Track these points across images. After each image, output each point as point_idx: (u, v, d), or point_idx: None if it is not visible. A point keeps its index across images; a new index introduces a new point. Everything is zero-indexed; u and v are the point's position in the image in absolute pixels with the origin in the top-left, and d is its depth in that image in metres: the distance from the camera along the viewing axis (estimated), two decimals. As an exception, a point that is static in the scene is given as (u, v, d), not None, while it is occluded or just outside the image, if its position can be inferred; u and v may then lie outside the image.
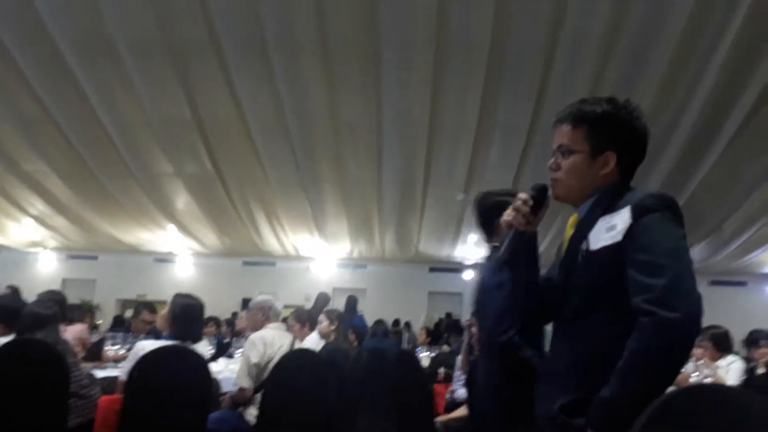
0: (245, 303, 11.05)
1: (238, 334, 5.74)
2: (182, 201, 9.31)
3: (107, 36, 5.90)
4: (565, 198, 1.47)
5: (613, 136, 1.40)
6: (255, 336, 3.36)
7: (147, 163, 8.18)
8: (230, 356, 4.65)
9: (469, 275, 12.09)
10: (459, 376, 4.10)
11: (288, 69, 6.12)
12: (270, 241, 10.87)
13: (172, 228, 10.36)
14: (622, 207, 1.32)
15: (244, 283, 11.65)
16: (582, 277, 1.37)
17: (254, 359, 3.24)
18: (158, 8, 5.68)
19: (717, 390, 1.04)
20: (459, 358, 4.29)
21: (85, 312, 6.25)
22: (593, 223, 1.38)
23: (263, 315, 3.55)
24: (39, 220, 10.41)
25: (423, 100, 6.47)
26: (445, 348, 6.35)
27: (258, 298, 3.66)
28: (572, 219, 1.49)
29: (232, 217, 9.71)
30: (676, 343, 1.20)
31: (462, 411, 3.90)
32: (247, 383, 3.22)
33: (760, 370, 5.00)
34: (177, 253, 12.09)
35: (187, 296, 3.30)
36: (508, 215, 1.44)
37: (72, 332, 5.25)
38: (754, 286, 11.07)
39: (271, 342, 3.34)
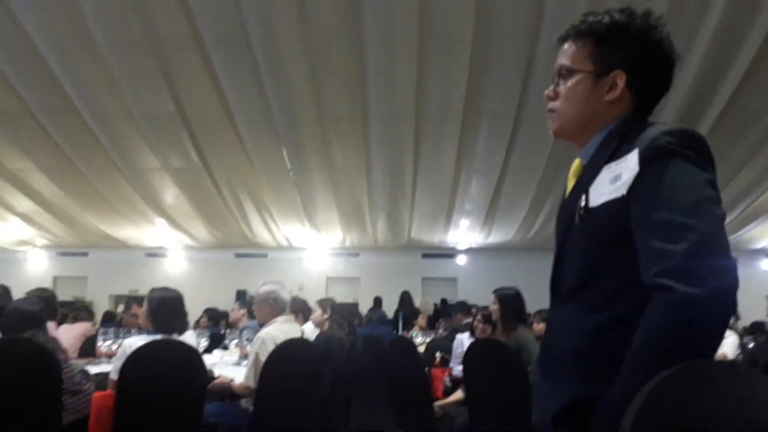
0: (239, 295, 11.05)
1: (232, 326, 5.71)
2: (171, 195, 9.23)
3: (87, 32, 5.80)
4: (562, 133, 1.18)
5: (624, 50, 1.09)
6: (266, 335, 3.22)
7: (133, 157, 8.08)
8: (225, 348, 4.63)
9: (462, 260, 12.12)
10: (458, 354, 4.11)
11: (271, 60, 6.05)
12: (261, 232, 10.83)
13: (161, 222, 10.29)
14: (631, 149, 1.02)
15: (237, 275, 11.63)
16: (579, 243, 1.08)
17: (264, 359, 3.12)
18: (137, 2, 5.57)
19: (721, 367, 0.90)
20: (461, 337, 4.31)
21: (90, 311, 6.23)
22: (597, 171, 1.08)
23: (269, 307, 3.40)
24: (26, 218, 10.30)
25: (408, 88, 6.41)
26: (441, 332, 6.37)
27: (263, 288, 3.47)
28: (574, 165, 1.20)
29: (222, 209, 9.65)
30: (703, 326, 0.88)
31: (459, 395, 3.91)
32: (254, 383, 3.12)
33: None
34: (168, 248, 12.03)
35: (163, 289, 3.24)
36: None
37: (78, 330, 5.23)
38: (745, 262, 11.15)
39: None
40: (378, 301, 9.03)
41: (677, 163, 0.97)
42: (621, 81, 1.10)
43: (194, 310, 8.83)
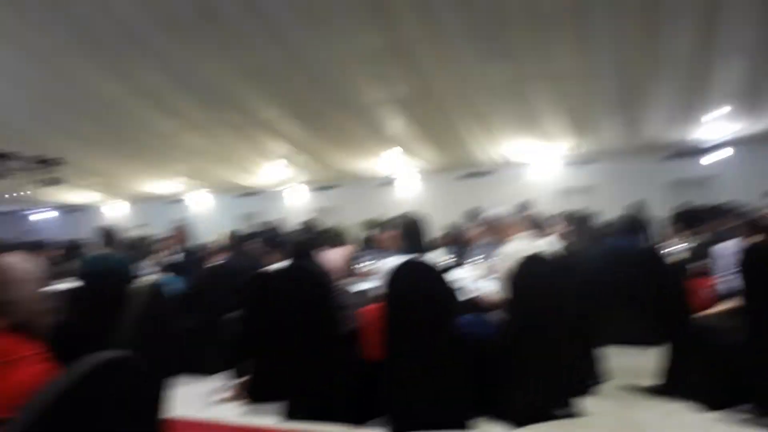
0: (471, 212, 11.38)
1: (468, 245, 5.94)
2: (398, 125, 9.75)
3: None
4: None
5: None
6: (507, 251, 3.31)
7: (359, 95, 8.68)
8: (469, 264, 4.86)
9: (713, 158, 10.60)
10: (723, 264, 3.69)
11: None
12: (488, 150, 10.87)
13: (392, 152, 10.99)
14: None
15: (467, 195, 11.95)
16: None
17: (507, 274, 3.19)
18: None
19: None
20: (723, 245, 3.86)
21: (349, 237, 7.11)
22: None
23: (505, 226, 3.46)
24: (284, 159, 11.88)
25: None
26: (695, 241, 5.75)
27: (496, 209, 3.56)
28: None
29: (448, 132, 9.89)
30: None
31: (724, 306, 3.55)
32: (499, 296, 3.30)
33: None
34: (399, 176, 12.88)
35: (407, 215, 3.53)
36: None
37: (339, 253, 6.02)
38: None
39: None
40: (622, 210, 8.48)
41: None
42: None
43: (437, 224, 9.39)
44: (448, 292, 3.19)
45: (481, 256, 4.54)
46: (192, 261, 5.10)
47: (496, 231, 3.51)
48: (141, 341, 1.07)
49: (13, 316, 1.23)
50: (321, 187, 13.88)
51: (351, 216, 13.26)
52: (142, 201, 15.77)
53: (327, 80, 8.27)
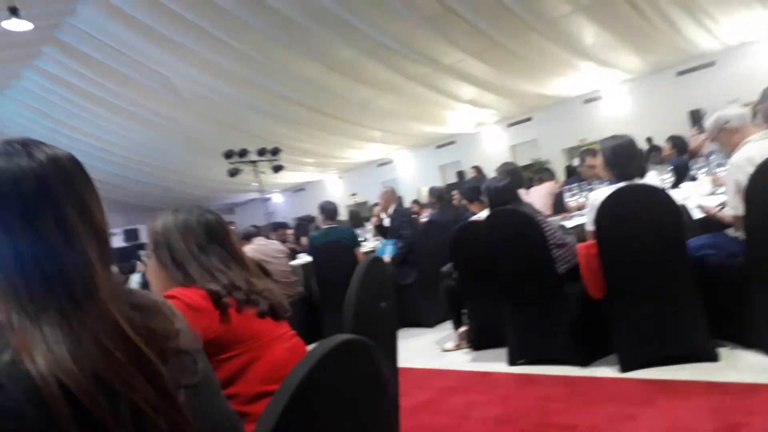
0: (693, 117, 9.96)
1: (693, 155, 5.23)
2: (588, 34, 8.89)
3: None
4: None
5: None
6: (739, 157, 2.77)
7: (541, 10, 8.10)
8: (693, 179, 4.30)
9: None
10: None
11: None
12: (701, 36, 9.30)
13: (587, 65, 10.06)
14: None
15: (683, 95, 10.45)
16: None
17: (744, 183, 2.71)
18: None
19: None
20: None
21: (550, 171, 6.86)
22: None
23: (730, 132, 2.91)
24: (473, 102, 11.71)
25: None
26: None
27: (718, 112, 3.00)
28: None
29: (647, 28, 8.69)
30: None
31: None
32: (737, 210, 2.83)
33: None
34: (602, 88, 11.72)
35: (612, 137, 3.18)
36: None
37: (545, 189, 5.85)
38: None
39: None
40: None
41: None
42: None
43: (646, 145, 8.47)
44: (673, 215, 2.85)
45: (706, 168, 3.96)
46: (402, 221, 5.36)
47: (726, 136, 2.99)
48: (368, 307, 1.15)
49: (263, 303, 1.39)
50: (516, 122, 13.39)
51: (553, 147, 12.60)
52: (351, 171, 17.02)
53: (507, 5, 7.88)
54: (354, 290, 1.16)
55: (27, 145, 0.77)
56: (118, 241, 13.77)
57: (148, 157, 14.18)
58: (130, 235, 17.27)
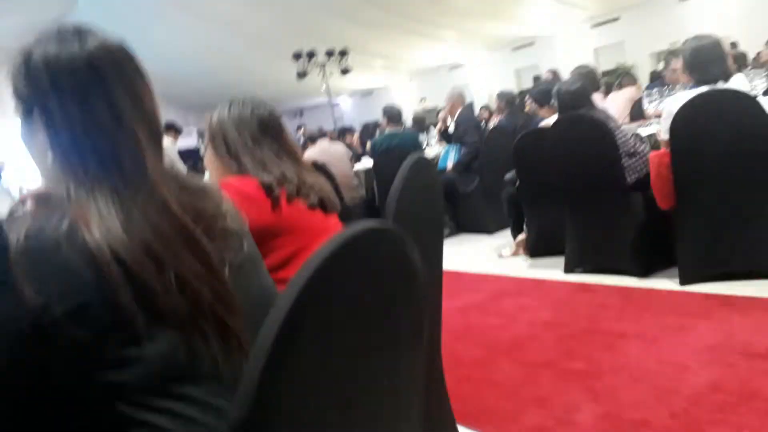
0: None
1: (762, 65, 4.70)
2: None
3: None
4: None
5: None
6: None
7: None
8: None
9: None
10: None
11: None
12: None
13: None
14: None
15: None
16: None
17: None
18: None
19: None
20: None
21: (633, 76, 6.44)
22: None
23: None
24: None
25: None
26: None
27: None
28: None
29: None
30: None
31: None
32: None
33: None
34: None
35: (695, 38, 2.90)
36: None
37: (624, 96, 5.51)
38: None
39: None
40: None
41: None
42: None
43: (751, 45, 7.62)
44: (758, 123, 2.64)
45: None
46: (468, 127, 5.24)
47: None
48: (411, 206, 1.17)
49: (313, 196, 1.44)
50: (602, 22, 12.38)
51: (640, 51, 11.66)
52: (421, 75, 16.56)
53: None
54: (397, 189, 1.17)
55: (80, 32, 0.81)
56: (192, 141, 14.27)
57: (220, 58, 14.31)
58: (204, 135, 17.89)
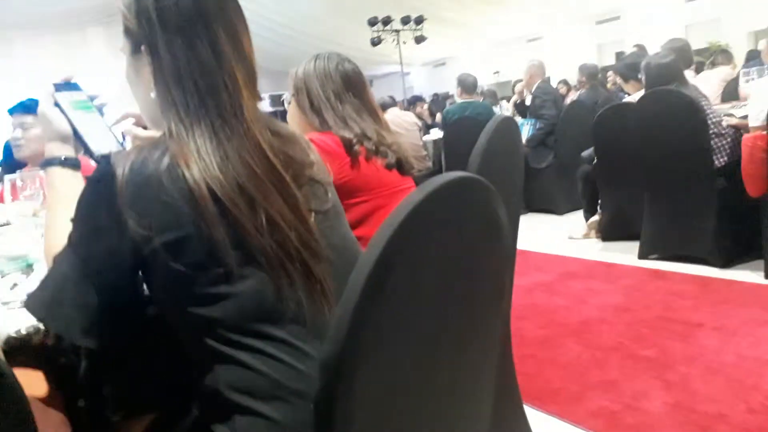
0: None
1: None
2: None
3: None
4: None
5: None
6: None
7: None
8: None
9: None
10: None
11: None
12: None
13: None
14: None
15: None
16: None
17: None
18: None
19: None
20: None
21: (730, 55, 6.00)
22: None
23: None
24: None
25: None
26: None
27: None
28: None
29: None
30: None
31: None
32: None
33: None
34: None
35: None
36: None
37: (718, 75, 5.14)
38: None
39: None
40: None
41: None
42: None
43: None
44: None
45: None
46: (545, 100, 5.05)
47: None
48: (500, 171, 1.14)
49: (391, 156, 1.44)
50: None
51: (738, 28, 10.83)
52: (496, 47, 16.09)
53: None
54: (482, 145, 1.13)
55: None
56: (264, 106, 14.52)
57: (293, 20, 14.37)
58: (275, 100, 18.15)
